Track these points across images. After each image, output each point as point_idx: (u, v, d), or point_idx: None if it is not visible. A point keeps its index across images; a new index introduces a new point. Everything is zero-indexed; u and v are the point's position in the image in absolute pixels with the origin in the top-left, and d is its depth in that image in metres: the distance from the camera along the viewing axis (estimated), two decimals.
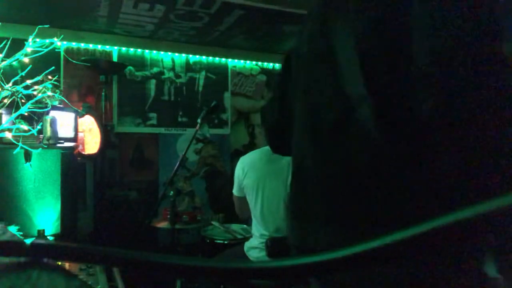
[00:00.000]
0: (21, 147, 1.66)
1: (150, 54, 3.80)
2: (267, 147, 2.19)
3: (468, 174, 0.55)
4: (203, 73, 4.05)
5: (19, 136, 1.66)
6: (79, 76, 3.48)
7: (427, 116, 0.55)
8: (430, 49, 0.56)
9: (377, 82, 0.61)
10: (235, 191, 2.18)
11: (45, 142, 2.14)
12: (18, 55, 1.66)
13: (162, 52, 3.83)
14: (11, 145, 1.70)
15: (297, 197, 0.79)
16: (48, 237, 1.96)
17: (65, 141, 2.46)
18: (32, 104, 1.67)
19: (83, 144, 3.05)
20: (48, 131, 2.17)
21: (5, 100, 1.65)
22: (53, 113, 2.27)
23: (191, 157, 3.46)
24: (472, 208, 0.22)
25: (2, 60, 1.66)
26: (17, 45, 1.69)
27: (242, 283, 1.72)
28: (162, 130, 3.84)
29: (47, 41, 1.71)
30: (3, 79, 1.63)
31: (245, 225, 2.85)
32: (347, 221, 0.65)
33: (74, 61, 2.57)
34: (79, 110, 2.89)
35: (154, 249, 3.56)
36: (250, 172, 2.06)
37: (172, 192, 2.34)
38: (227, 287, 2.01)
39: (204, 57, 4.03)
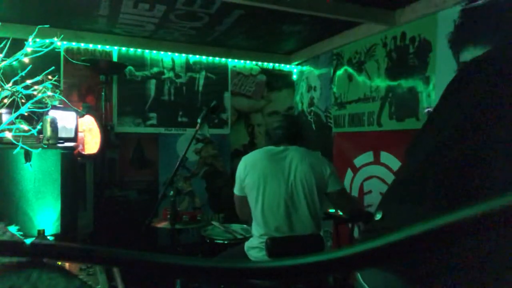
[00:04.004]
0: (21, 147, 1.66)
1: (150, 54, 3.80)
2: (269, 147, 2.20)
3: None
4: (203, 73, 4.05)
5: (19, 136, 1.66)
6: (79, 76, 3.48)
7: None
8: None
9: None
10: (236, 190, 2.18)
11: (45, 142, 2.14)
12: (18, 55, 1.66)
13: (162, 52, 3.83)
14: (11, 145, 1.70)
15: None
16: (48, 237, 1.96)
17: (65, 141, 2.46)
18: (32, 104, 1.67)
19: (83, 144, 3.05)
20: (48, 131, 2.17)
21: (5, 100, 1.65)
22: (53, 113, 2.27)
23: (191, 157, 3.45)
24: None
25: (2, 60, 1.66)
26: (17, 45, 1.69)
27: (242, 283, 1.72)
28: (162, 130, 3.84)
29: (47, 41, 1.70)
30: (3, 79, 1.63)
31: (245, 225, 2.85)
32: None
33: (74, 61, 2.56)
34: (79, 110, 2.89)
35: (154, 249, 3.56)
36: (251, 171, 2.06)
37: (172, 192, 2.33)
38: (227, 287, 2.01)
39: (204, 57, 4.03)
